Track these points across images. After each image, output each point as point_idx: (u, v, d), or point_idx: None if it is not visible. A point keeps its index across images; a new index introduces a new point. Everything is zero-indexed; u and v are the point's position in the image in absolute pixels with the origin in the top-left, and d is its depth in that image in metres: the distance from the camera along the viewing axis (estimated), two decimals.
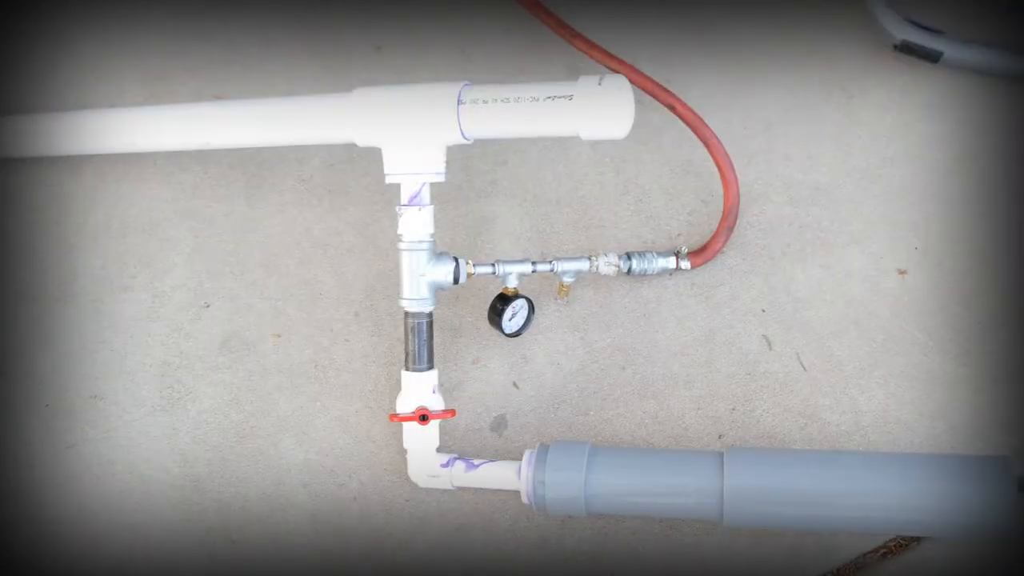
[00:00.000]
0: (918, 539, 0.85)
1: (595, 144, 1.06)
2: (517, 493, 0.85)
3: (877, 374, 0.92)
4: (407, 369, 0.88)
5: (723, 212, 0.96)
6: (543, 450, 0.83)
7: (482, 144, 1.01)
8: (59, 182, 1.10)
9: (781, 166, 1.03)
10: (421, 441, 0.87)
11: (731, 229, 0.97)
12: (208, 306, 1.02)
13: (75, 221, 1.07)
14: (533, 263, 0.91)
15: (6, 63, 1.17)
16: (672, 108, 0.95)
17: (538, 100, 0.80)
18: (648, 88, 0.95)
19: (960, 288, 0.95)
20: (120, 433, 0.96)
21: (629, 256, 0.95)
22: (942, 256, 0.96)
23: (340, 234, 1.04)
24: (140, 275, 1.04)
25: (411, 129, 0.86)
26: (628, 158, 1.05)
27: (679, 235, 1.01)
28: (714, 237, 0.97)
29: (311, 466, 0.93)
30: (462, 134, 0.84)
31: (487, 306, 0.93)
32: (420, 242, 0.86)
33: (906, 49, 1.03)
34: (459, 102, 0.83)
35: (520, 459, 0.84)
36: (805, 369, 0.93)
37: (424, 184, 0.86)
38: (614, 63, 0.98)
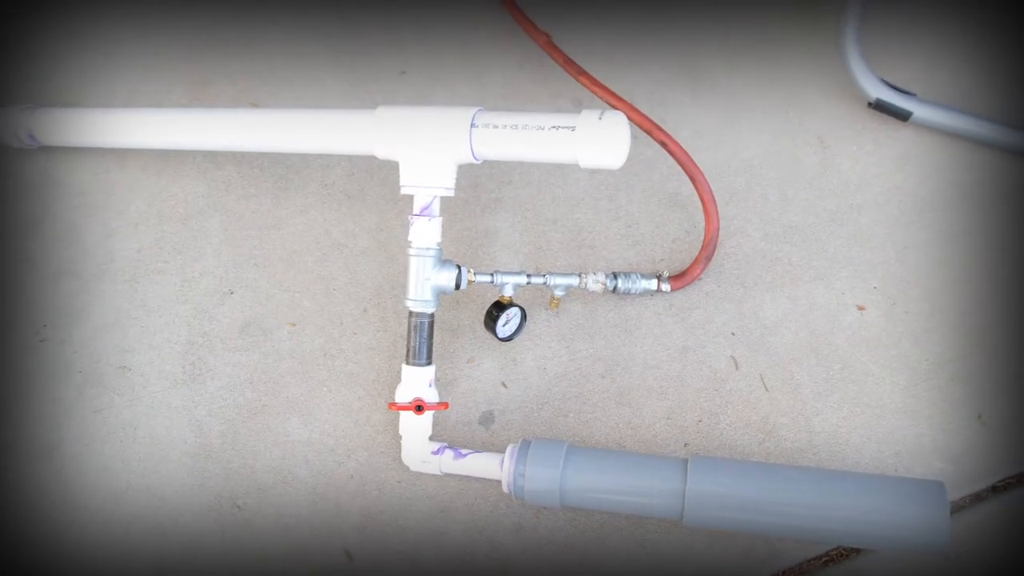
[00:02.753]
0: (858, 551, 0.86)
1: (592, 172, 1.07)
2: (498, 482, 0.87)
3: (832, 399, 0.93)
4: (407, 363, 0.88)
5: (703, 242, 0.97)
6: (525, 445, 0.85)
7: (490, 164, 1.02)
8: (106, 171, 1.11)
9: (759, 204, 1.04)
10: (415, 429, 0.88)
11: (709, 258, 0.98)
12: (232, 293, 1.03)
13: (117, 207, 1.09)
14: (528, 275, 0.92)
15: (66, 62, 1.19)
16: (664, 145, 0.96)
17: (543, 129, 0.81)
18: (644, 125, 0.96)
19: (912, 327, 0.96)
20: (144, 402, 0.97)
21: (615, 276, 0.96)
22: (897, 296, 0.98)
23: (356, 237, 1.06)
24: (172, 261, 1.05)
25: (427, 147, 0.86)
26: (621, 187, 1.06)
27: (661, 260, 1.02)
28: (693, 264, 0.98)
29: (314, 444, 0.94)
30: (473, 154, 0.85)
31: (484, 311, 0.94)
32: (427, 249, 0.87)
33: (879, 107, 1.05)
34: (472, 125, 0.84)
35: (503, 452, 0.85)
36: (767, 389, 0.94)
37: (435, 197, 0.87)
38: (615, 100, 0.99)
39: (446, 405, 0.89)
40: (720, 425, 0.92)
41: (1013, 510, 0.87)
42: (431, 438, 0.88)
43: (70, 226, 1.08)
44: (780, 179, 1.06)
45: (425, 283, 0.87)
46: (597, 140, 0.80)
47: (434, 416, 0.90)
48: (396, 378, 0.91)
